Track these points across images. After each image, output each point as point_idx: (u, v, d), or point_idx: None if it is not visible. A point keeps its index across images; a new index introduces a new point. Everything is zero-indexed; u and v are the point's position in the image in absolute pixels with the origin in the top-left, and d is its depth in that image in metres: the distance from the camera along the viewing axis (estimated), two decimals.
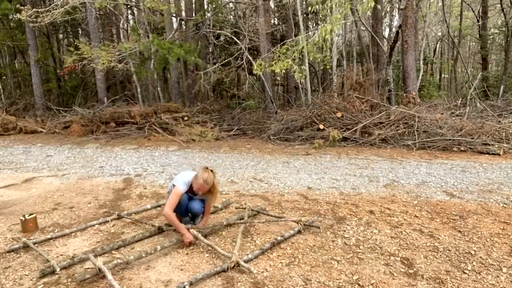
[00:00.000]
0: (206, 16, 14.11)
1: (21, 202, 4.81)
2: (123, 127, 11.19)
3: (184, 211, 3.66)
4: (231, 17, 16.17)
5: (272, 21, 15.42)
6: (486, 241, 3.39)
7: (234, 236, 3.51)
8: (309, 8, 8.83)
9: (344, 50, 14.81)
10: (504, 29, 16.36)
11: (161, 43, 11.05)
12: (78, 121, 11.57)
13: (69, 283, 2.75)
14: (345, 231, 3.65)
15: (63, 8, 9.97)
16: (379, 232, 3.62)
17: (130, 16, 18.87)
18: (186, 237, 3.31)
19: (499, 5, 16.37)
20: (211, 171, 3.45)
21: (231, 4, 15.73)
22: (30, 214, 3.84)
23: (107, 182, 5.75)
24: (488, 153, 7.27)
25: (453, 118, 9.25)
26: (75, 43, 11.81)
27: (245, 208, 4.06)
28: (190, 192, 3.56)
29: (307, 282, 2.75)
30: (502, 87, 14.46)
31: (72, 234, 3.68)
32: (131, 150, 8.77)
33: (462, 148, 7.65)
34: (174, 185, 3.44)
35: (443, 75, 21.84)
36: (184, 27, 15.37)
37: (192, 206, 3.62)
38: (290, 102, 14.27)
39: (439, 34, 20.94)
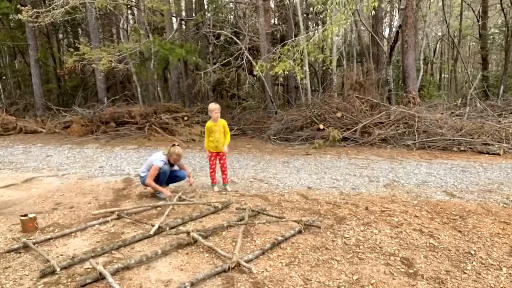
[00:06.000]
0: (206, 16, 14.10)
1: (21, 202, 4.81)
2: (123, 127, 11.19)
3: (165, 180, 4.91)
4: (231, 17, 16.17)
5: (272, 21, 15.42)
6: (486, 241, 3.39)
7: (234, 236, 3.51)
8: (311, 9, 8.82)
9: (344, 50, 14.81)
10: (504, 29, 16.34)
11: (162, 43, 11.04)
12: (78, 121, 11.57)
13: (69, 283, 2.75)
14: (345, 231, 3.65)
15: (63, 8, 9.97)
16: (379, 232, 3.62)
17: (130, 16, 18.87)
18: (166, 193, 4.65)
19: (499, 5, 16.35)
20: (178, 144, 4.89)
21: (231, 4, 15.72)
22: (30, 214, 3.84)
23: (107, 182, 5.75)
24: (488, 153, 7.27)
25: (453, 118, 9.25)
26: (76, 44, 11.81)
27: (245, 209, 4.06)
28: (170, 165, 4.90)
29: (307, 282, 2.74)
30: (502, 87, 14.45)
31: (72, 234, 3.68)
32: (131, 150, 8.77)
33: (462, 148, 7.65)
34: (153, 164, 4.71)
35: (443, 75, 21.82)
36: (184, 27, 15.37)
37: (178, 174, 5.06)
38: (290, 102, 14.27)
39: (439, 34, 20.91)
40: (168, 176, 4.99)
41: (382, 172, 6.05)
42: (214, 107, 5.10)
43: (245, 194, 5.00)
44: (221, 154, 5.21)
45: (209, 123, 5.12)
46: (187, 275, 2.84)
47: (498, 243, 3.35)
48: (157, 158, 4.79)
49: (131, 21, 18.62)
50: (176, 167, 5.09)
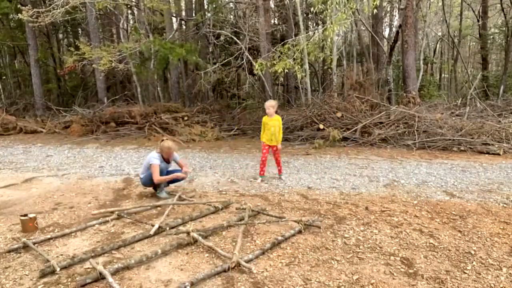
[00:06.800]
0: (206, 16, 14.10)
1: (21, 202, 4.81)
2: (123, 127, 11.19)
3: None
4: (231, 17, 16.17)
5: (272, 21, 15.41)
6: (486, 241, 3.39)
7: (234, 236, 3.51)
8: (312, 9, 8.81)
9: (344, 50, 14.81)
10: (504, 29, 16.35)
11: (162, 43, 11.05)
12: (78, 121, 11.57)
13: (69, 283, 2.75)
14: (345, 231, 3.65)
15: (63, 8, 9.97)
16: (379, 232, 3.62)
17: (130, 16, 18.87)
18: (178, 175, 4.90)
19: (499, 5, 16.36)
20: (166, 139, 4.93)
21: (231, 4, 15.72)
22: (30, 214, 3.84)
23: (107, 182, 5.75)
24: (488, 153, 7.27)
25: (453, 118, 9.25)
26: (76, 43, 11.82)
27: (245, 209, 4.06)
28: (166, 161, 4.92)
29: (307, 282, 2.74)
30: (502, 87, 14.45)
31: (72, 234, 3.68)
32: (131, 150, 8.77)
33: (462, 148, 7.65)
34: (151, 164, 4.72)
35: (443, 75, 21.83)
36: (184, 27, 15.37)
37: (175, 172, 5.02)
38: (290, 102, 14.27)
39: (439, 34, 20.91)
40: (166, 174, 5.01)
41: (382, 172, 6.05)
42: (268, 104, 5.46)
43: (245, 194, 5.01)
44: (275, 148, 5.56)
45: (265, 118, 5.51)
46: (187, 275, 2.84)
47: (498, 243, 3.35)
48: (152, 157, 4.83)
49: (131, 21, 18.62)
50: (176, 167, 5.09)
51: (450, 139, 7.93)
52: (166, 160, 4.93)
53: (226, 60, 13.34)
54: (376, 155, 7.47)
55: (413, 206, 4.35)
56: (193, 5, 15.97)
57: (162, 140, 4.89)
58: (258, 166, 6.69)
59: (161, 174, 4.83)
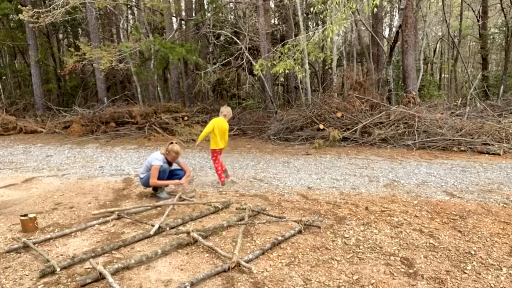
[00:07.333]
0: (206, 16, 14.11)
1: (21, 202, 4.81)
2: (123, 127, 11.19)
3: (166, 178, 4.89)
4: (231, 17, 16.18)
5: (272, 21, 15.42)
6: (486, 241, 3.39)
7: (234, 236, 3.51)
8: (312, 9, 8.83)
9: (344, 50, 14.82)
10: (504, 29, 16.36)
11: (162, 42, 11.06)
12: (78, 121, 11.57)
13: (69, 283, 2.75)
14: (345, 231, 3.65)
15: (63, 8, 9.97)
16: (379, 232, 3.62)
17: (130, 16, 18.89)
18: (177, 183, 4.83)
19: (499, 5, 16.37)
20: (175, 142, 4.89)
21: (231, 4, 15.73)
22: (30, 214, 3.84)
23: (107, 182, 5.75)
24: (488, 153, 7.27)
25: (453, 118, 9.25)
26: (76, 44, 11.84)
27: (245, 209, 4.06)
28: (169, 163, 4.90)
29: (307, 282, 2.74)
30: (502, 87, 14.45)
31: (72, 234, 3.68)
32: (131, 150, 8.77)
33: (462, 148, 7.65)
34: (152, 165, 4.70)
35: (443, 75, 21.84)
36: (184, 27, 15.38)
37: (177, 173, 5.04)
38: (290, 102, 14.28)
39: (439, 34, 20.93)
40: (168, 174, 5.00)
41: (382, 172, 6.05)
42: (230, 109, 5.54)
43: (245, 194, 5.01)
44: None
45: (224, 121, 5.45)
46: (187, 275, 2.84)
47: (498, 243, 3.35)
48: (155, 158, 4.80)
49: (131, 21, 18.63)
50: (176, 166, 5.09)
51: (450, 139, 7.93)
52: (169, 162, 4.92)
53: (226, 60, 13.35)
54: (376, 155, 7.47)
55: (413, 206, 4.35)
56: (193, 5, 15.98)
57: (171, 143, 4.85)
58: (258, 166, 6.70)
59: (164, 174, 4.82)
